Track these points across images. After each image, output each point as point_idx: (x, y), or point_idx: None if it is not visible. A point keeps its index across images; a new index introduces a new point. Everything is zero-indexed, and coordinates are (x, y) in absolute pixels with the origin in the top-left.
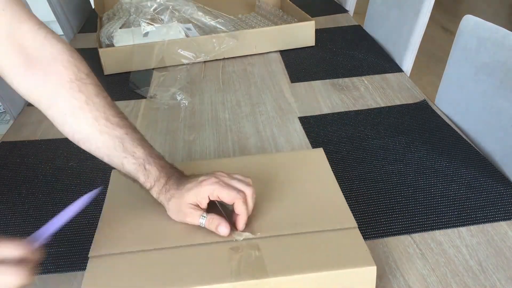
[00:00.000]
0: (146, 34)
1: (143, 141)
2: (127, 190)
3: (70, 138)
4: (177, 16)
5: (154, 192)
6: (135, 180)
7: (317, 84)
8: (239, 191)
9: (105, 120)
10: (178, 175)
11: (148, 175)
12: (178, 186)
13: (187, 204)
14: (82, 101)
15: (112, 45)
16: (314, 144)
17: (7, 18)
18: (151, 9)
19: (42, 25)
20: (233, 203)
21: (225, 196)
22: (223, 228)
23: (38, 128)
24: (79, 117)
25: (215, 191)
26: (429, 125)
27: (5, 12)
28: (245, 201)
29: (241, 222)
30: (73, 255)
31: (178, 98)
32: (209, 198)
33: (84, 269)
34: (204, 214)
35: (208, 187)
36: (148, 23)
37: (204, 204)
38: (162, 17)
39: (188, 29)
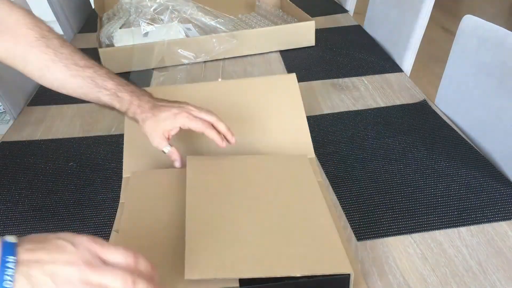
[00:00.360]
0: (146, 34)
1: (110, 74)
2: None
3: (49, 86)
4: (177, 16)
5: (130, 113)
6: (112, 108)
7: (317, 84)
8: (205, 121)
9: (74, 65)
10: (149, 96)
11: (122, 101)
12: (152, 110)
13: (160, 131)
14: (52, 54)
15: (112, 45)
16: (314, 144)
17: None
18: (151, 9)
19: None
20: (204, 132)
21: (195, 126)
22: (177, 163)
23: (38, 128)
24: (53, 68)
25: (187, 123)
26: (429, 125)
27: None
28: (211, 127)
29: (218, 140)
30: None
31: None
32: (180, 128)
33: None
34: (169, 146)
35: (181, 120)
36: (148, 23)
37: (174, 132)
38: (162, 17)
39: (188, 29)
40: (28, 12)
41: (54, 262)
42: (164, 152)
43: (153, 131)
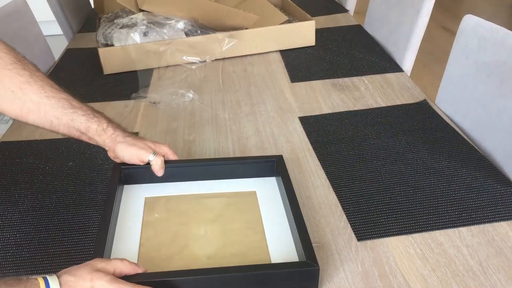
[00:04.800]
0: (146, 34)
1: (85, 103)
2: None
3: (18, 113)
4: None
5: (109, 132)
6: (82, 134)
7: (317, 84)
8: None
9: (50, 87)
10: (120, 128)
11: (100, 121)
12: (131, 135)
13: (143, 143)
14: (27, 76)
15: (111, 45)
16: (314, 144)
17: None
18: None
19: None
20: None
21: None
22: (160, 173)
23: (37, 128)
24: (27, 90)
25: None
26: (429, 125)
27: None
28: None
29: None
30: (73, 255)
31: (177, 97)
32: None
33: None
34: (153, 154)
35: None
36: (148, 23)
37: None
38: (165, 30)
39: (189, 29)
40: (2, 40)
41: None
42: (150, 161)
43: (138, 143)
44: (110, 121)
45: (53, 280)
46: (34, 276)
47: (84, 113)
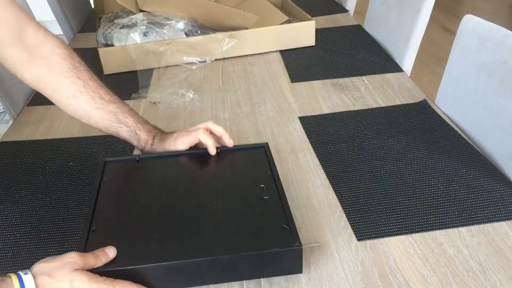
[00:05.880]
0: (146, 34)
1: (131, 112)
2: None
3: (73, 115)
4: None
5: (146, 150)
6: (128, 143)
7: (317, 84)
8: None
9: (100, 99)
10: (161, 133)
11: (139, 139)
12: (161, 140)
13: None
14: (81, 86)
15: (111, 45)
16: (314, 144)
17: (17, 24)
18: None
19: (40, 25)
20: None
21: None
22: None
23: (38, 128)
24: (80, 99)
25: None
26: (429, 125)
27: (16, 20)
28: (206, 132)
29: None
30: None
31: (177, 97)
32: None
33: None
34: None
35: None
36: (147, 25)
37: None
38: (165, 30)
39: (188, 29)
40: (62, 42)
41: None
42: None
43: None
44: (147, 140)
45: (28, 280)
46: (8, 274)
47: (128, 129)
